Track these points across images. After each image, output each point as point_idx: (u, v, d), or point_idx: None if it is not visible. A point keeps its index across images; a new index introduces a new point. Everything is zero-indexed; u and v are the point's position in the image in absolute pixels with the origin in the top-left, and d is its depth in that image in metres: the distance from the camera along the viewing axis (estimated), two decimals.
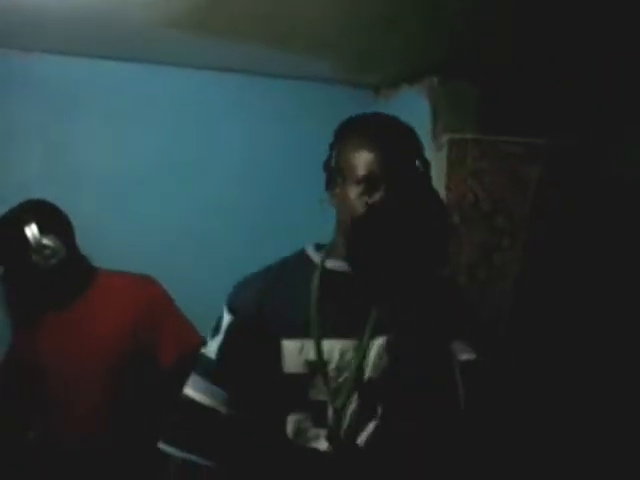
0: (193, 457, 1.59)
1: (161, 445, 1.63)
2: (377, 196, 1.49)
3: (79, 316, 2.31)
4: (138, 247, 2.63)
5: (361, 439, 1.53)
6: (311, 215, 2.74)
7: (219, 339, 1.62)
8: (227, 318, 1.62)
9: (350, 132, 1.59)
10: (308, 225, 2.75)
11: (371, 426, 1.53)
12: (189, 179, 2.74)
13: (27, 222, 2.23)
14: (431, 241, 1.48)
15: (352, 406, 1.53)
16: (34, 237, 2.21)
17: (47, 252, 2.22)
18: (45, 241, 2.22)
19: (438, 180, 2.29)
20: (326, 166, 1.63)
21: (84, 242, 2.39)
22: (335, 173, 1.58)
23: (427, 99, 2.56)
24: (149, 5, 2.04)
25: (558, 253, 2.42)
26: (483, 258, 2.38)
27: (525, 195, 2.40)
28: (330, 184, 1.61)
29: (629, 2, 1.91)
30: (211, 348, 1.63)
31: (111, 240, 2.57)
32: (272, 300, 1.58)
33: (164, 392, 2.43)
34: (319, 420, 1.54)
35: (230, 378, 1.60)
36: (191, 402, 1.62)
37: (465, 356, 1.58)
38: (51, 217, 2.30)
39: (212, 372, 1.61)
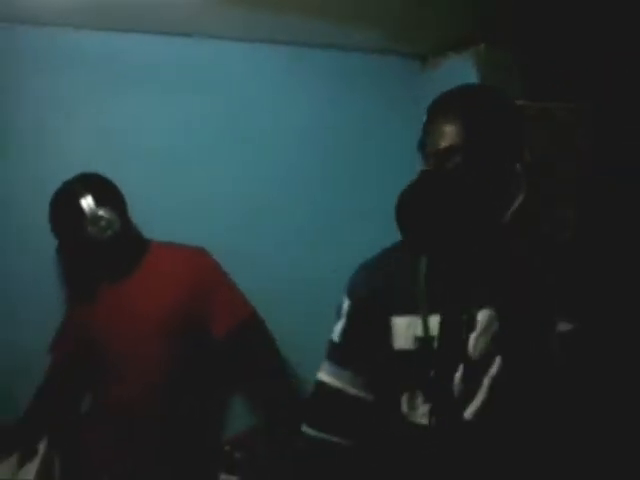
0: (328, 437, 1.69)
1: (303, 428, 1.73)
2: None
3: (133, 288, 2.37)
4: (190, 223, 2.66)
5: (467, 413, 1.53)
6: (367, 182, 2.79)
7: (341, 323, 1.72)
8: (346, 303, 1.72)
9: (431, 108, 1.58)
10: (367, 193, 2.79)
11: (477, 400, 1.53)
12: (244, 152, 2.77)
13: (82, 194, 2.28)
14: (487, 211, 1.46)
15: (457, 380, 1.54)
16: (90, 209, 2.26)
17: (103, 224, 2.27)
18: (101, 213, 2.27)
19: None
20: (419, 145, 1.60)
21: (134, 217, 2.46)
22: (422, 150, 1.58)
23: (475, 67, 2.53)
24: None
25: (610, 220, 2.39)
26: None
27: (578, 161, 2.36)
28: (423, 162, 1.60)
29: None
30: (335, 332, 1.73)
31: (163, 215, 2.62)
32: (383, 282, 1.67)
33: (217, 362, 2.52)
34: (430, 395, 1.58)
35: (354, 359, 1.69)
36: (322, 384, 1.73)
37: (565, 326, 1.54)
38: (105, 189, 2.35)
39: (338, 355, 1.72)
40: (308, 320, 2.54)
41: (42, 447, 2.26)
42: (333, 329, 1.73)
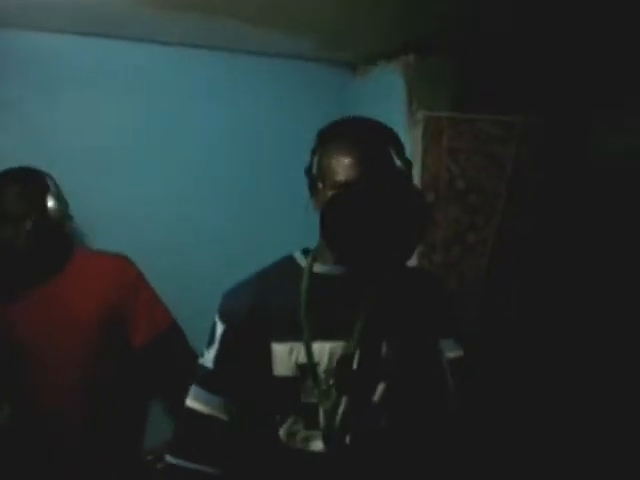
0: (198, 466, 1.62)
1: (168, 458, 1.66)
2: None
3: (54, 293, 2.30)
4: (119, 223, 2.63)
5: (351, 439, 1.55)
6: (290, 192, 2.78)
7: (214, 348, 1.65)
8: (220, 327, 1.65)
9: (330, 137, 1.58)
10: (289, 201, 2.78)
11: (362, 426, 1.55)
12: (169, 158, 2.73)
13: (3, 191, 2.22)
14: (405, 232, 1.47)
15: (342, 407, 1.55)
16: (11, 208, 2.20)
17: (26, 222, 2.21)
18: (24, 209, 2.21)
19: (414, 157, 2.28)
20: (308, 172, 1.63)
21: None
22: (316, 179, 1.58)
23: (403, 76, 2.55)
24: None
25: (533, 232, 2.43)
26: (457, 236, 2.39)
27: (500, 174, 2.40)
28: (312, 189, 1.61)
29: None
30: (208, 358, 1.66)
31: (92, 215, 2.57)
32: (261, 306, 1.61)
33: (137, 372, 2.49)
34: (311, 423, 1.56)
35: (227, 386, 1.63)
36: (192, 412, 1.65)
37: (453, 353, 1.61)
38: (32, 187, 2.29)
39: (210, 381, 1.65)
40: None
41: None
42: (204, 354, 1.67)
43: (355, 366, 1.54)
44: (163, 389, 2.69)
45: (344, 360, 1.54)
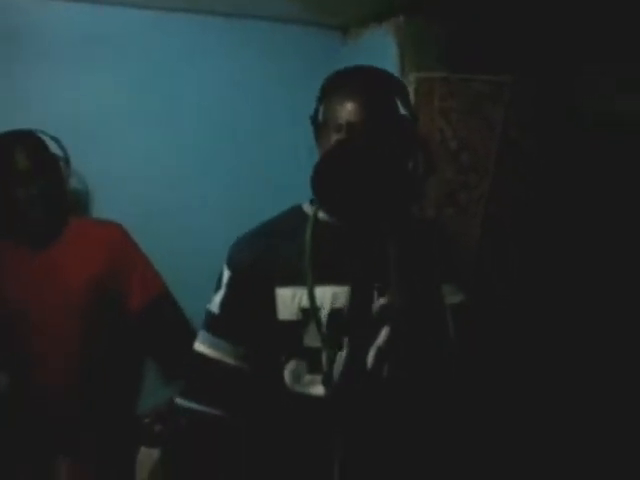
0: (206, 408, 1.66)
1: (178, 400, 1.71)
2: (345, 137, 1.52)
3: (51, 259, 2.33)
4: (106, 194, 2.65)
5: (353, 384, 1.57)
6: (287, 154, 2.80)
7: (221, 293, 1.68)
8: (226, 274, 1.68)
9: (334, 84, 1.62)
10: (285, 166, 2.80)
11: (365, 370, 1.57)
12: (159, 123, 2.74)
13: (18, 151, 2.25)
14: (403, 182, 1.49)
15: (344, 351, 1.57)
16: (25, 168, 2.24)
17: (35, 187, 2.24)
18: (32, 171, 2.24)
19: None
20: (313, 119, 1.65)
21: None
22: (321, 124, 1.61)
23: (394, 38, 2.54)
24: None
25: (523, 194, 2.44)
26: (449, 196, 2.40)
27: (491, 134, 2.40)
28: (317, 136, 1.64)
29: None
30: (214, 303, 1.69)
31: (78, 187, 2.59)
32: (267, 253, 1.65)
33: (131, 337, 2.52)
34: (314, 366, 1.59)
35: (233, 330, 1.67)
36: (199, 355, 1.69)
37: (454, 299, 1.63)
38: (42, 150, 2.32)
39: (216, 325, 1.69)
40: None
41: None
42: (212, 299, 1.70)
43: (355, 311, 1.58)
44: (156, 354, 2.73)
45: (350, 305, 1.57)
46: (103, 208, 2.59)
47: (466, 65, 2.42)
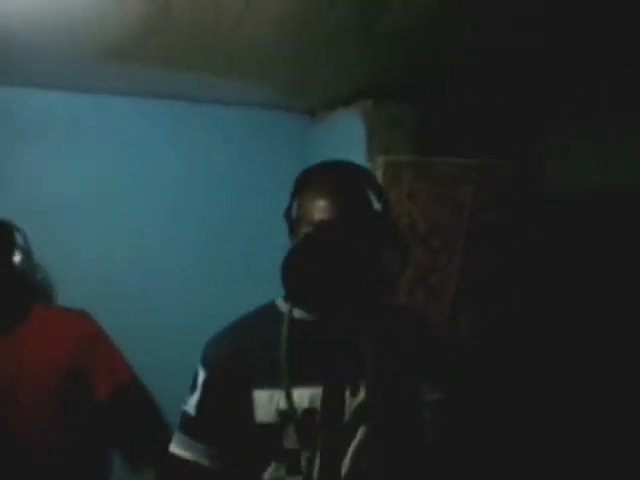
0: None
1: None
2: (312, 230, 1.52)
3: (15, 344, 2.29)
4: (76, 277, 2.62)
5: None
6: (255, 235, 2.80)
7: (196, 395, 1.64)
8: (202, 374, 1.64)
9: (305, 181, 1.62)
10: (254, 246, 2.80)
11: (342, 470, 1.54)
12: (131, 206, 2.74)
13: None
14: (380, 272, 1.49)
15: (321, 452, 1.53)
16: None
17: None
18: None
19: None
20: (287, 215, 1.64)
21: None
22: (294, 221, 1.61)
23: (362, 121, 2.57)
24: (85, 35, 2.03)
25: (494, 273, 2.45)
26: (420, 279, 2.40)
27: (460, 216, 2.42)
28: (291, 232, 1.63)
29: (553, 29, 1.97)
30: (190, 404, 1.65)
31: (47, 270, 2.58)
32: (242, 353, 1.61)
33: (100, 425, 2.47)
34: (294, 468, 1.56)
35: (210, 432, 1.62)
36: (175, 458, 1.64)
37: (432, 396, 1.62)
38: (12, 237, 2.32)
39: (192, 428, 1.64)
40: None
41: None
42: (187, 400, 1.65)
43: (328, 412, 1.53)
44: (123, 441, 2.68)
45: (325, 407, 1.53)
46: (69, 294, 2.56)
47: (434, 148, 2.45)
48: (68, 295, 2.58)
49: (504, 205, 2.44)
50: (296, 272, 1.46)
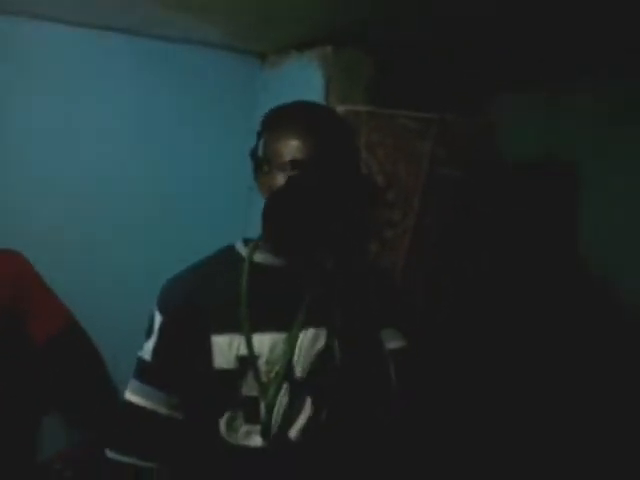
0: (135, 460, 1.57)
1: (107, 452, 1.60)
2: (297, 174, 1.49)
3: None
4: (20, 221, 2.50)
5: (292, 432, 1.54)
6: (198, 176, 2.72)
7: (152, 340, 1.60)
8: (158, 319, 1.59)
9: (276, 120, 1.58)
10: (198, 187, 2.72)
11: (302, 419, 1.54)
12: (75, 145, 2.60)
13: None
14: (354, 221, 1.49)
15: (282, 400, 1.53)
16: None
17: None
18: None
19: None
20: (253, 155, 1.60)
21: None
22: (262, 161, 1.57)
23: (320, 69, 2.50)
24: None
25: (449, 229, 2.45)
26: (375, 232, 2.38)
27: (417, 170, 2.40)
28: (257, 172, 1.59)
29: None
30: (146, 349, 1.60)
31: None
32: (201, 297, 1.58)
33: (36, 373, 2.38)
34: (251, 416, 1.54)
35: (166, 378, 1.59)
36: (130, 405, 1.60)
37: (395, 344, 1.62)
38: None
39: (148, 374, 1.60)
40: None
41: None
42: (143, 345, 1.61)
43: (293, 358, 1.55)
44: (62, 390, 2.54)
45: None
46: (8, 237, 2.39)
47: (394, 100, 2.41)
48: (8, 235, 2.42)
49: (463, 162, 2.43)
50: (279, 219, 1.46)
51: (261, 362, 1.53)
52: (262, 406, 1.53)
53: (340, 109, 2.35)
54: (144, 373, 1.61)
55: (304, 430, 1.54)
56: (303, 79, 2.56)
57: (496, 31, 2.28)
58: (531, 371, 2.62)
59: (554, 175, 2.70)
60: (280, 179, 1.50)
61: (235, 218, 2.68)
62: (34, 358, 2.32)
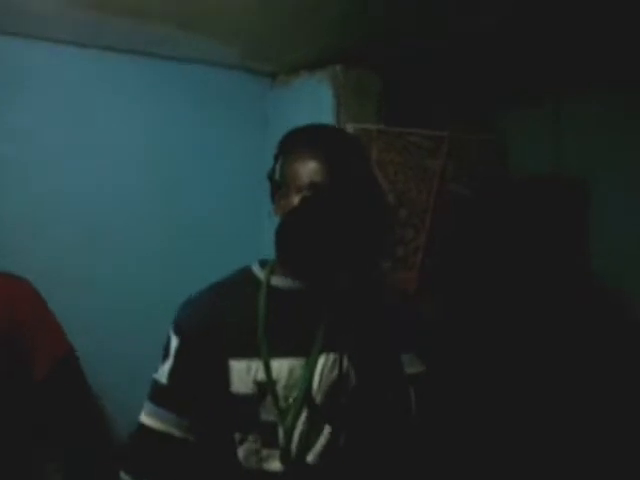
0: None
1: (121, 475, 1.58)
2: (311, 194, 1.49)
3: None
4: (31, 241, 2.49)
5: (310, 457, 1.52)
6: (213, 200, 2.72)
7: (168, 363, 1.58)
8: (175, 341, 1.58)
9: (293, 143, 1.58)
10: (211, 206, 2.73)
11: (320, 444, 1.52)
12: (89, 167, 2.59)
13: None
14: (370, 242, 1.48)
15: (301, 425, 1.51)
16: None
17: None
18: None
19: None
20: (270, 177, 1.60)
21: None
22: (279, 184, 1.56)
23: (330, 88, 2.51)
24: None
25: (461, 246, 2.45)
26: (388, 251, 2.38)
27: (428, 188, 2.40)
28: (275, 195, 1.59)
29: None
30: (162, 373, 1.59)
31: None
32: (218, 320, 1.56)
33: (37, 403, 2.33)
34: (270, 441, 1.52)
35: (182, 402, 1.57)
36: (145, 428, 1.58)
37: (414, 369, 1.60)
38: None
39: (163, 396, 1.59)
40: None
41: None
42: (159, 367, 1.60)
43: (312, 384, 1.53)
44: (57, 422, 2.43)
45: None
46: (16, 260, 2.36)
47: (404, 118, 2.42)
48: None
49: (473, 179, 2.44)
50: (293, 239, 1.45)
51: (279, 387, 1.52)
52: (280, 431, 1.52)
53: (350, 127, 2.37)
54: (159, 396, 1.60)
55: (322, 455, 1.52)
56: (314, 98, 2.57)
57: (498, 46, 2.29)
58: (549, 386, 2.60)
59: (563, 190, 2.69)
60: (297, 201, 1.49)
61: (250, 237, 2.69)
62: (33, 387, 2.23)
